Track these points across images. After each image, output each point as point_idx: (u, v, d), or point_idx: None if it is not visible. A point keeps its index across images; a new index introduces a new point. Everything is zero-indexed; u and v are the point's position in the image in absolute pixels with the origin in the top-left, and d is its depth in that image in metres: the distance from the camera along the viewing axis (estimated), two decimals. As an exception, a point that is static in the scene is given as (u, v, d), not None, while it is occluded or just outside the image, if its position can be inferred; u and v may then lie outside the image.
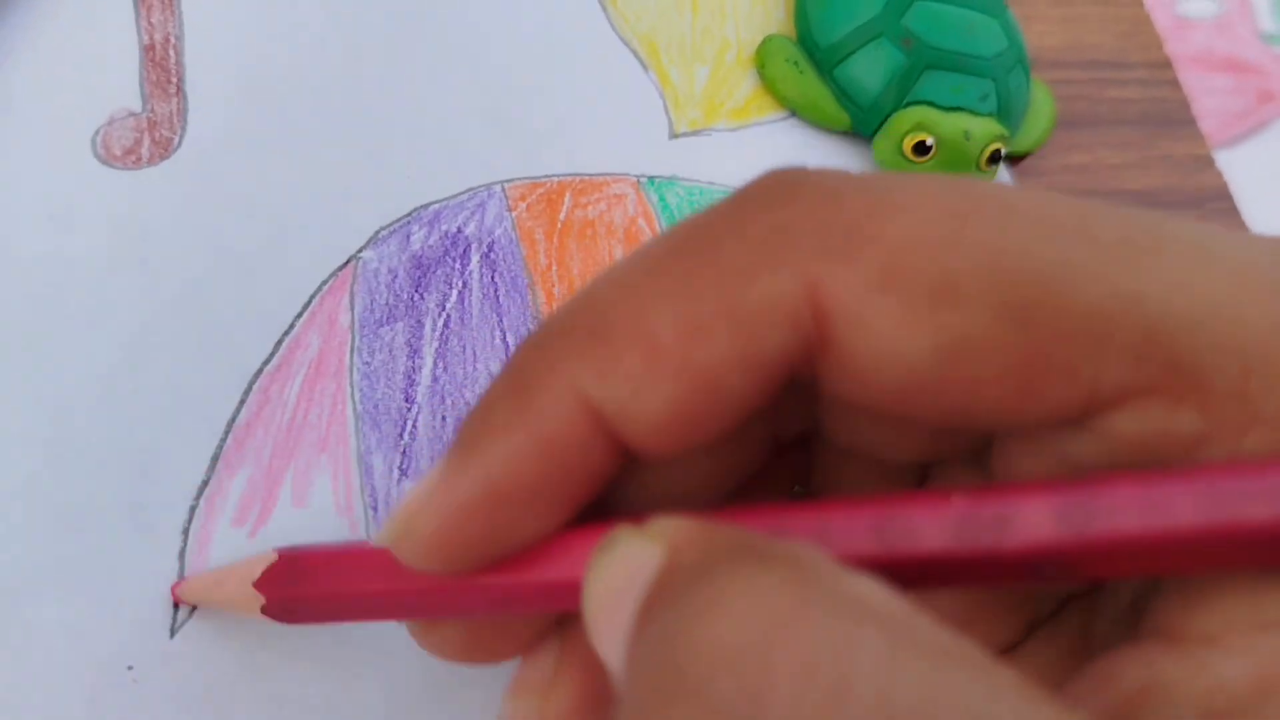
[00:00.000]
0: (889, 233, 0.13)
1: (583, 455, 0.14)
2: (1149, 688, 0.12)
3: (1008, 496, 0.13)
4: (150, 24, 0.25)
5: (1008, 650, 0.16)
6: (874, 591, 0.11)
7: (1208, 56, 0.34)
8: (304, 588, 0.17)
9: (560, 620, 0.16)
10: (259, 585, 0.18)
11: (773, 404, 0.14)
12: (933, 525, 0.13)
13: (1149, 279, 0.12)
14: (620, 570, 0.13)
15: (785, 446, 0.17)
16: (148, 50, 0.25)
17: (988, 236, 0.13)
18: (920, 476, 0.17)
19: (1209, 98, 0.33)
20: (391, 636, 0.21)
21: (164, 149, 0.24)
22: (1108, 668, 0.13)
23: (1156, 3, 0.34)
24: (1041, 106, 0.29)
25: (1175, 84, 0.33)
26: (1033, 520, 0.12)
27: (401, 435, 0.22)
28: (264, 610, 0.18)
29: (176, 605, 0.20)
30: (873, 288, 0.13)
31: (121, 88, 0.25)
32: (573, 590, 0.14)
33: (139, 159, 0.24)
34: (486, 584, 0.15)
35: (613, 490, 0.15)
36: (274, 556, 0.18)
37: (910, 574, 0.13)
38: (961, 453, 0.16)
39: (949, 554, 0.13)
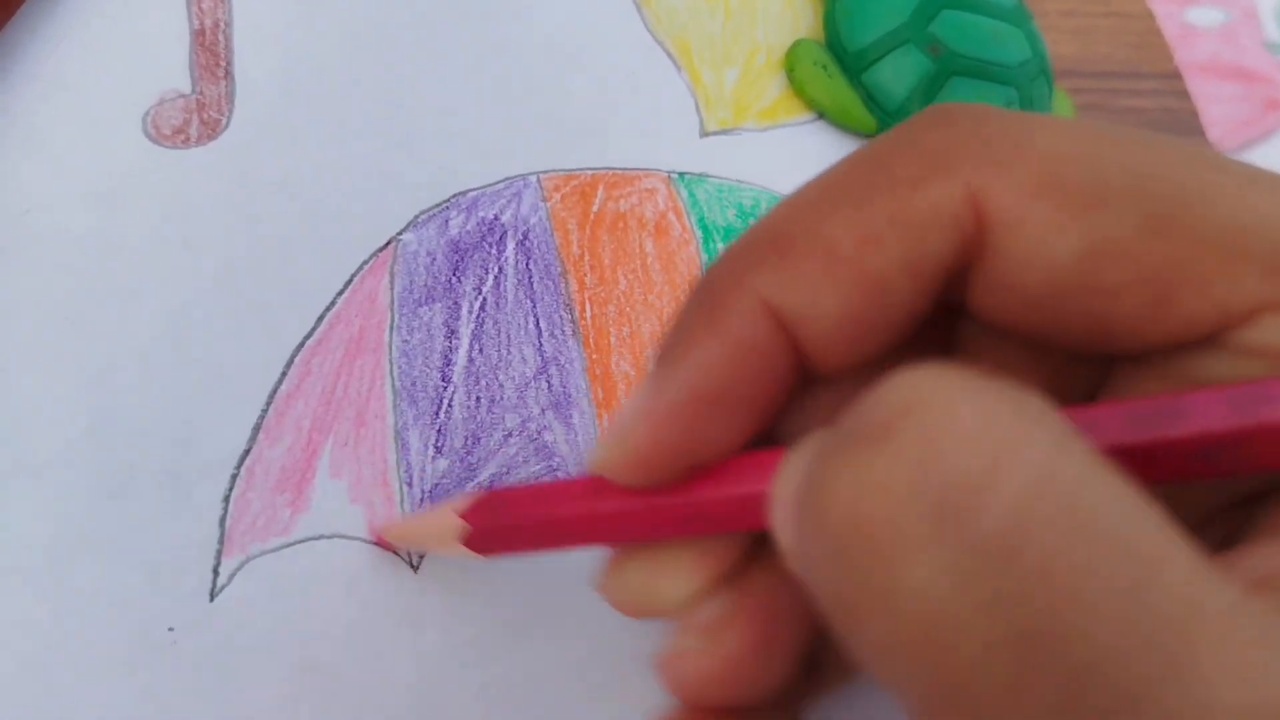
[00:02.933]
0: (1043, 147, 0.14)
1: (769, 360, 0.15)
2: (1269, 576, 0.12)
3: (1181, 394, 0.13)
4: (201, 9, 0.26)
5: None
6: (1046, 405, 0.12)
7: (1214, 65, 0.34)
8: (507, 516, 0.18)
9: (732, 576, 0.17)
10: (466, 517, 0.18)
11: (924, 328, 0.15)
12: (1110, 418, 0.13)
13: (1276, 206, 0.13)
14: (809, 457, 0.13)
15: None
16: (198, 35, 0.25)
17: (1130, 157, 0.13)
18: None
19: (1215, 105, 0.33)
20: (422, 609, 0.21)
21: (212, 130, 0.24)
22: (1224, 564, 0.13)
23: (1164, 11, 0.34)
24: (1062, 115, 0.30)
25: (1185, 95, 0.33)
26: (1207, 409, 0.13)
27: (437, 413, 0.22)
28: (467, 541, 0.18)
29: (381, 545, 0.21)
30: (1028, 193, 0.13)
31: (172, 70, 0.25)
32: (756, 504, 0.15)
33: (187, 139, 0.24)
34: (678, 500, 0.15)
35: (783, 423, 0.16)
36: (478, 493, 0.18)
37: None
38: (1085, 392, 0.16)
39: (1126, 444, 0.13)
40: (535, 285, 0.24)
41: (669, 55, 0.28)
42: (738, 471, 0.15)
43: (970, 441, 0.11)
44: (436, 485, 0.22)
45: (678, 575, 0.17)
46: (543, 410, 0.23)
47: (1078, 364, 0.16)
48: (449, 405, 0.23)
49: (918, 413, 0.11)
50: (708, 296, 0.15)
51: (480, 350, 0.23)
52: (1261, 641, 0.11)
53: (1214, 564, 0.11)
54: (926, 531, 0.11)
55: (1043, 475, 0.11)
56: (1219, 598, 0.11)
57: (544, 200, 0.25)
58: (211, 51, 0.25)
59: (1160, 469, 0.13)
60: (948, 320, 0.16)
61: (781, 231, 0.15)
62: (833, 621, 0.12)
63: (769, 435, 0.16)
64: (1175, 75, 0.33)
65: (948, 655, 0.11)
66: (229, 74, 0.25)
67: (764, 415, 0.15)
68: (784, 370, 0.15)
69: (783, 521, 0.14)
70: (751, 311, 0.14)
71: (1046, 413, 0.12)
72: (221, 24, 0.25)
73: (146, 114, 0.24)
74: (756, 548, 0.17)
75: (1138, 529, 0.11)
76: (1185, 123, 0.32)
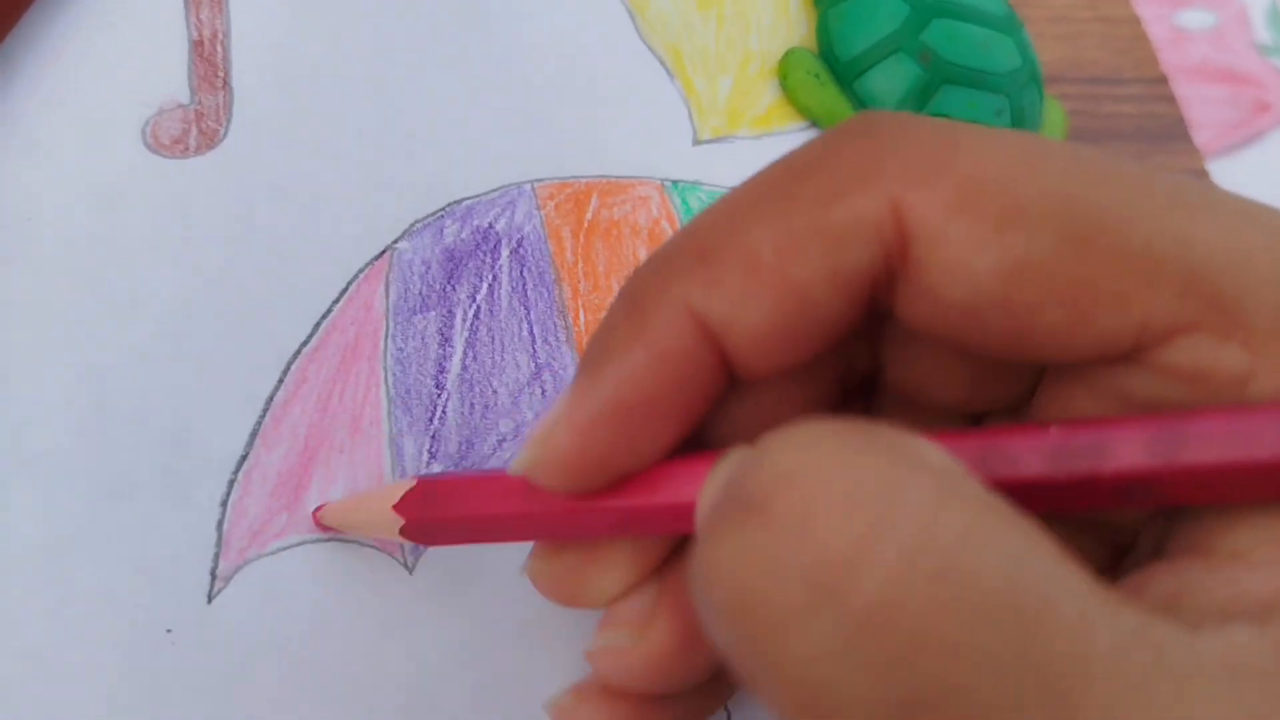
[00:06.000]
0: (965, 163, 0.13)
1: (695, 369, 0.14)
2: (1176, 595, 0.12)
3: (1101, 427, 0.13)
4: (199, 20, 0.25)
5: None
6: (932, 450, 0.12)
7: (1204, 67, 0.33)
8: (441, 509, 0.17)
9: (659, 569, 0.17)
10: (398, 507, 0.18)
11: (851, 333, 0.15)
12: (1033, 453, 0.13)
13: (1197, 227, 0.13)
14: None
15: (850, 395, 0.17)
16: (196, 46, 0.25)
17: (1053, 175, 0.13)
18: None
19: (1205, 108, 0.33)
20: (417, 611, 0.21)
21: (210, 139, 0.24)
22: (1138, 581, 0.13)
23: (1154, 14, 0.34)
24: (1054, 122, 0.29)
25: (1171, 99, 0.32)
26: (1126, 447, 0.13)
27: (431, 420, 0.22)
28: (402, 531, 0.18)
29: (322, 529, 0.21)
30: (950, 209, 0.13)
31: (171, 81, 0.25)
32: (686, 512, 0.14)
33: (186, 148, 0.24)
34: (608, 505, 0.15)
35: (712, 426, 0.16)
36: (412, 482, 0.18)
37: (1010, 499, 0.13)
38: (1010, 400, 0.16)
39: (1047, 479, 0.13)
40: (529, 293, 0.24)
41: (662, 63, 0.28)
42: (665, 479, 0.15)
43: (844, 514, 0.11)
44: (431, 491, 0.22)
45: (606, 570, 0.16)
46: (536, 416, 0.23)
47: (1007, 368, 0.16)
48: (443, 412, 0.22)
49: (793, 484, 0.11)
50: (632, 304, 0.15)
51: (474, 357, 0.23)
52: (1154, 671, 0.11)
53: (1112, 594, 0.11)
54: (804, 604, 0.11)
55: (917, 543, 0.11)
56: (1113, 633, 0.11)
57: (538, 208, 0.25)
58: (210, 62, 0.25)
59: (1079, 502, 0.13)
60: (876, 324, 0.16)
61: (705, 240, 0.14)
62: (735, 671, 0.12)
63: (698, 439, 0.16)
64: (1161, 80, 0.33)
65: (834, 717, 0.11)
66: (227, 84, 0.25)
67: (690, 422, 0.15)
68: (710, 378, 0.15)
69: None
70: (676, 320, 0.14)
71: (928, 464, 0.11)
72: (220, 35, 0.25)
73: (146, 124, 0.24)
74: (684, 543, 0.17)
75: (1022, 579, 0.11)
76: (1170, 128, 0.32)
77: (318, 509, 0.21)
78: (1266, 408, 0.12)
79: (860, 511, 0.11)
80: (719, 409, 0.15)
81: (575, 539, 0.17)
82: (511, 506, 0.16)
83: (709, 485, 0.14)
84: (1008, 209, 0.13)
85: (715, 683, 0.17)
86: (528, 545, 0.18)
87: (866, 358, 0.17)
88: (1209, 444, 0.12)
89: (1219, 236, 0.13)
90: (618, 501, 0.15)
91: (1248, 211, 0.13)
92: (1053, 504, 0.13)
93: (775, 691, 0.11)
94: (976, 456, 0.13)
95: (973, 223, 0.13)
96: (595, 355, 0.15)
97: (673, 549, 0.17)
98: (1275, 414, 0.12)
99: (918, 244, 0.13)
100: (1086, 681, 0.10)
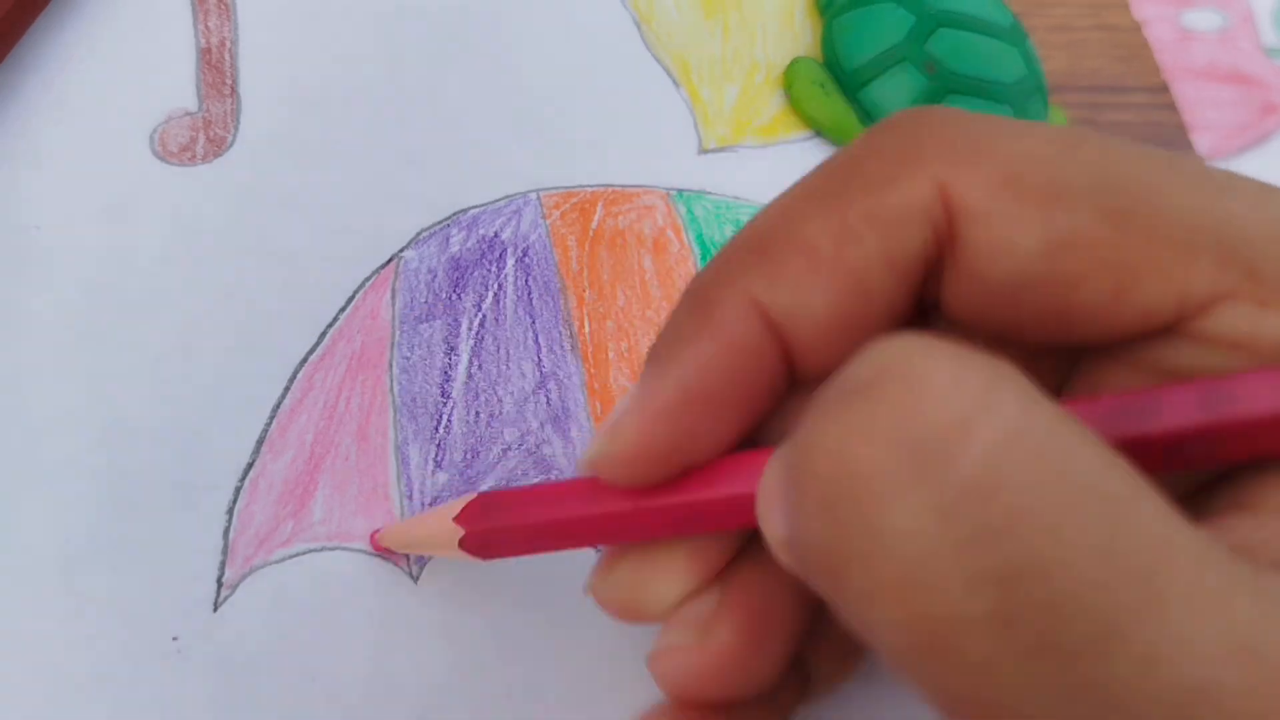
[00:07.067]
0: (1005, 147, 0.14)
1: (759, 361, 0.15)
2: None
3: (1153, 391, 0.13)
4: (207, 28, 0.25)
5: None
6: (1018, 371, 0.12)
7: (1211, 69, 0.33)
8: (502, 518, 0.17)
9: (723, 575, 0.17)
10: (459, 519, 0.18)
11: (903, 324, 0.15)
12: (1084, 413, 0.13)
13: (1229, 203, 0.14)
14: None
15: None
16: (204, 53, 0.25)
17: (1090, 156, 0.14)
18: None
19: (1212, 110, 0.32)
20: (422, 620, 0.20)
21: (218, 147, 0.24)
22: None
23: (1160, 16, 0.33)
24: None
25: (1173, 107, 0.32)
26: (1178, 406, 0.13)
27: (437, 428, 0.22)
28: (462, 543, 0.18)
29: (378, 551, 0.21)
30: (995, 188, 0.14)
31: (179, 88, 0.24)
32: (748, 504, 0.14)
33: (194, 156, 0.24)
34: (671, 501, 0.15)
35: (769, 430, 0.16)
36: (472, 495, 0.18)
37: None
38: (1051, 386, 0.16)
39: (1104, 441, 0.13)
40: (534, 301, 0.24)
41: (668, 73, 0.27)
42: (728, 471, 0.15)
43: (948, 395, 0.11)
44: (436, 499, 0.21)
45: (668, 575, 0.16)
46: (541, 424, 0.22)
47: (1045, 359, 0.16)
48: (448, 420, 0.22)
49: (899, 370, 0.11)
50: (698, 298, 0.15)
51: (479, 366, 0.23)
52: (1231, 582, 0.11)
53: (1185, 514, 0.11)
54: (907, 475, 0.11)
55: (1016, 426, 0.11)
56: (1190, 538, 0.11)
57: (543, 217, 0.25)
58: (218, 70, 0.25)
59: (1131, 462, 0.13)
60: (922, 321, 0.16)
61: (765, 234, 0.15)
62: (822, 584, 0.12)
63: (755, 440, 0.16)
64: (1163, 88, 0.32)
65: (930, 595, 0.11)
66: (234, 92, 0.25)
67: (753, 416, 0.15)
68: (773, 370, 0.15)
69: (769, 512, 0.14)
70: (742, 311, 0.15)
71: (1018, 377, 0.12)
72: (227, 43, 0.25)
73: (154, 132, 0.24)
74: (746, 547, 0.17)
75: (1109, 475, 0.11)
76: (1172, 136, 0.32)
77: (375, 532, 0.20)
78: None
79: (963, 393, 0.11)
80: (777, 409, 0.16)
81: (637, 539, 0.17)
82: (573, 510, 0.16)
83: (770, 464, 0.14)
84: (1049, 186, 0.13)
85: (772, 701, 0.17)
86: (548, 557, 0.18)
87: None
88: (1260, 396, 0.12)
89: (1250, 211, 0.13)
90: (679, 497, 0.15)
91: (1268, 188, 0.14)
92: None
93: (870, 570, 0.11)
94: None
95: (1016, 201, 0.14)
96: (661, 350, 0.15)
97: (733, 556, 0.17)
98: None
99: (964, 224, 0.14)
100: (1172, 570, 0.11)
